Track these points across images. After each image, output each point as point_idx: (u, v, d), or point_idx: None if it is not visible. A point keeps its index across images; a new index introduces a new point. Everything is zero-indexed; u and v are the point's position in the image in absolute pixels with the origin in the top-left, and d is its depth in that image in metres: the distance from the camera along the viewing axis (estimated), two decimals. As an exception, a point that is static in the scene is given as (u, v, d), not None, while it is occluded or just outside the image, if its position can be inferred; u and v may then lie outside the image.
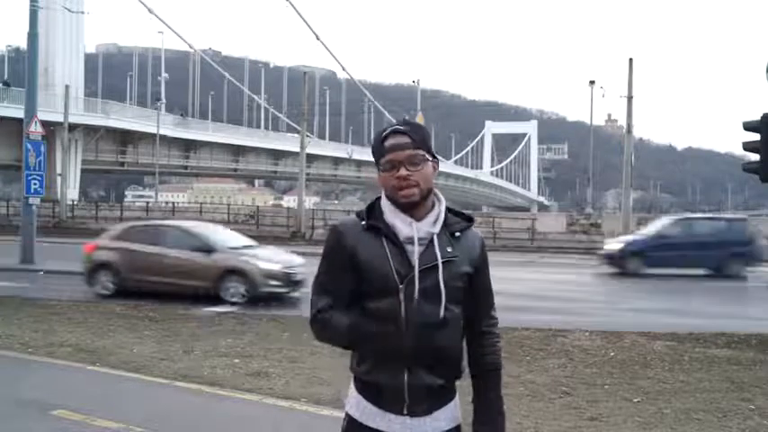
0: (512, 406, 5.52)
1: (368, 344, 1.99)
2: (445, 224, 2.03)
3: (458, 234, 2.03)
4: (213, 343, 8.09)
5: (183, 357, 7.31)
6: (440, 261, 1.96)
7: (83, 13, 46.28)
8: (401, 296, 1.94)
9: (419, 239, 1.97)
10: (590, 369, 6.98)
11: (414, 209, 2.00)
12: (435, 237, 1.99)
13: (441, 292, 1.96)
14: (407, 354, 1.94)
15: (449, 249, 1.99)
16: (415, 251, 1.97)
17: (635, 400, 5.80)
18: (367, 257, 1.98)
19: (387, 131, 2.03)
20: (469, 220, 2.10)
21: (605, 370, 6.94)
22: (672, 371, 6.92)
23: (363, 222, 2.03)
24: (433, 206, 2.04)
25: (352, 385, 2.08)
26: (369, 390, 2.02)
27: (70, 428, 4.89)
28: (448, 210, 2.08)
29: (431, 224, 2.01)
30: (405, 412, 1.98)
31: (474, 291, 2.07)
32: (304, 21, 41.92)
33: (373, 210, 2.05)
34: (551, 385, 6.26)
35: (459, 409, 2.09)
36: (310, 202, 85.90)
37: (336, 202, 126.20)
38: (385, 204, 2.04)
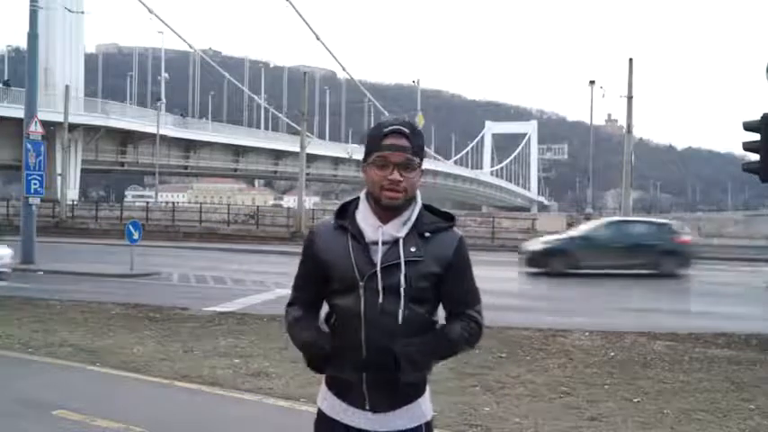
0: (511, 406, 5.54)
1: (299, 348, 2.12)
2: (417, 224, 2.03)
3: (428, 234, 2.03)
4: (213, 343, 8.09)
5: (183, 357, 7.31)
6: (402, 260, 1.98)
7: (83, 13, 46.31)
8: (361, 292, 1.98)
9: (383, 242, 2.00)
10: (590, 369, 6.98)
11: (389, 210, 2.02)
12: (401, 238, 2.00)
13: (401, 291, 1.97)
14: (366, 350, 1.98)
15: (413, 249, 2.00)
16: (379, 250, 1.99)
17: (635, 400, 5.80)
18: (331, 256, 2.04)
19: (388, 129, 2.01)
20: (449, 219, 2.10)
21: (605, 370, 6.94)
22: (672, 371, 6.92)
23: (333, 222, 2.08)
24: (407, 207, 2.05)
25: (323, 380, 2.14)
26: (335, 385, 2.08)
27: (70, 428, 4.89)
28: (429, 209, 2.09)
29: (398, 227, 2.02)
30: (367, 408, 2.02)
31: (449, 290, 2.07)
32: (304, 21, 41.68)
33: (346, 209, 2.09)
34: (551, 385, 6.26)
35: (428, 405, 2.11)
36: (310, 202, 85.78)
37: (336, 201, 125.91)
38: (362, 203, 2.07)
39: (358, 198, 2.10)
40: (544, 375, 6.67)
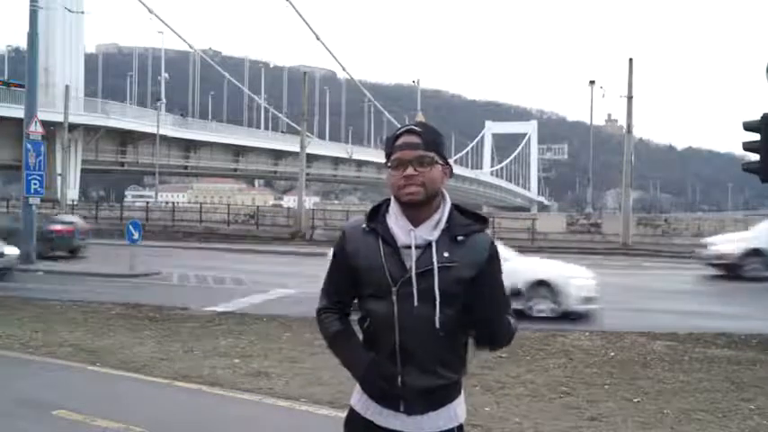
0: (511, 406, 5.54)
1: (339, 358, 2.11)
2: (449, 227, 2.01)
3: (460, 238, 2.00)
4: (213, 343, 8.10)
5: (183, 357, 7.32)
6: (435, 266, 1.96)
7: (83, 13, 46.34)
8: (394, 298, 1.96)
9: (416, 246, 1.98)
10: (590, 369, 6.98)
11: (416, 209, 2.00)
12: (434, 242, 1.98)
13: (435, 297, 1.96)
14: (400, 355, 1.98)
15: (446, 254, 1.97)
16: (413, 255, 1.97)
17: (635, 400, 5.80)
18: (363, 260, 2.02)
19: (401, 130, 2.05)
20: (482, 221, 2.06)
21: (605, 370, 6.94)
22: (672, 371, 6.92)
23: (364, 225, 2.05)
24: (437, 209, 2.03)
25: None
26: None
27: (70, 428, 4.90)
28: (460, 211, 2.06)
29: (430, 230, 2.00)
30: (401, 410, 2.01)
31: (482, 295, 2.00)
32: (304, 21, 41.71)
33: (377, 212, 2.07)
34: (551, 385, 6.26)
35: (462, 408, 2.10)
36: (310, 201, 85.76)
37: (336, 201, 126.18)
38: (392, 206, 2.06)
39: (389, 200, 2.08)
40: (544, 375, 6.67)
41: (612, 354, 7.73)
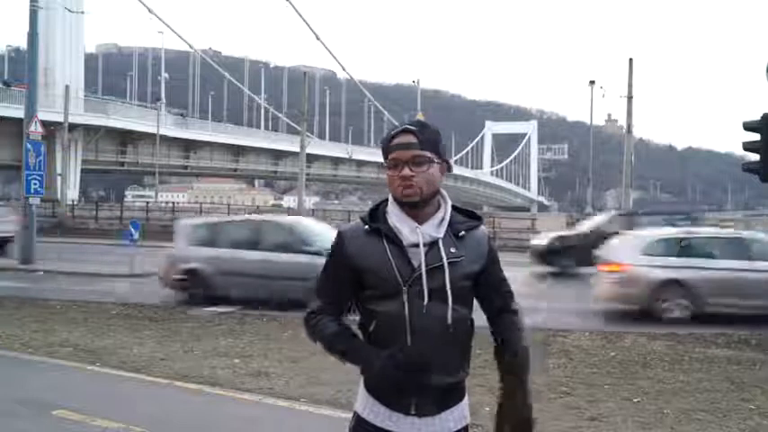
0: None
1: (342, 359, 2.04)
2: (450, 225, 2.02)
3: (462, 234, 2.02)
4: (213, 343, 8.10)
5: (183, 357, 7.32)
6: (445, 262, 1.96)
7: (83, 13, 46.31)
8: (404, 298, 1.94)
9: (423, 244, 1.98)
10: (590, 369, 6.98)
11: (418, 209, 2.00)
12: (440, 239, 1.99)
13: (447, 293, 1.95)
14: (413, 355, 1.94)
15: (452, 250, 1.99)
16: (421, 252, 1.96)
17: (635, 400, 5.80)
18: (368, 261, 1.99)
19: (396, 130, 2.03)
20: (477, 218, 2.10)
21: (605, 370, 6.94)
22: (672, 371, 6.92)
23: (366, 226, 2.03)
24: (438, 208, 2.04)
25: (361, 384, 2.08)
26: (377, 389, 2.02)
27: (70, 428, 4.90)
28: (456, 209, 2.08)
29: (435, 227, 2.00)
30: (413, 412, 1.98)
31: (489, 286, 2.09)
32: (304, 21, 41.76)
33: (376, 212, 2.06)
34: (551, 385, 6.25)
35: (468, 408, 2.09)
36: (310, 202, 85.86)
37: (336, 202, 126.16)
38: (391, 206, 2.04)
39: (386, 201, 2.07)
40: (544, 375, 6.67)
41: (612, 354, 7.73)
